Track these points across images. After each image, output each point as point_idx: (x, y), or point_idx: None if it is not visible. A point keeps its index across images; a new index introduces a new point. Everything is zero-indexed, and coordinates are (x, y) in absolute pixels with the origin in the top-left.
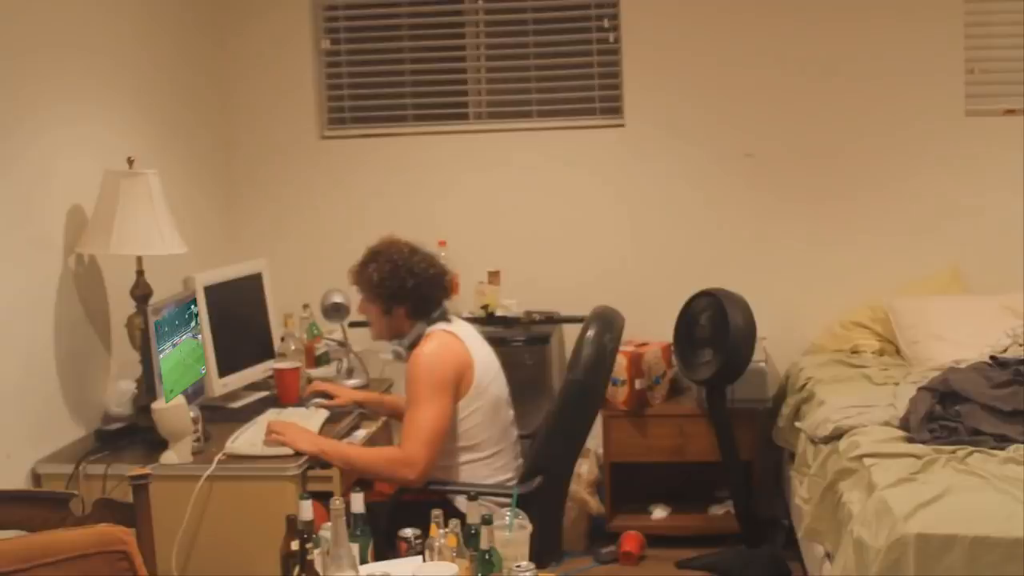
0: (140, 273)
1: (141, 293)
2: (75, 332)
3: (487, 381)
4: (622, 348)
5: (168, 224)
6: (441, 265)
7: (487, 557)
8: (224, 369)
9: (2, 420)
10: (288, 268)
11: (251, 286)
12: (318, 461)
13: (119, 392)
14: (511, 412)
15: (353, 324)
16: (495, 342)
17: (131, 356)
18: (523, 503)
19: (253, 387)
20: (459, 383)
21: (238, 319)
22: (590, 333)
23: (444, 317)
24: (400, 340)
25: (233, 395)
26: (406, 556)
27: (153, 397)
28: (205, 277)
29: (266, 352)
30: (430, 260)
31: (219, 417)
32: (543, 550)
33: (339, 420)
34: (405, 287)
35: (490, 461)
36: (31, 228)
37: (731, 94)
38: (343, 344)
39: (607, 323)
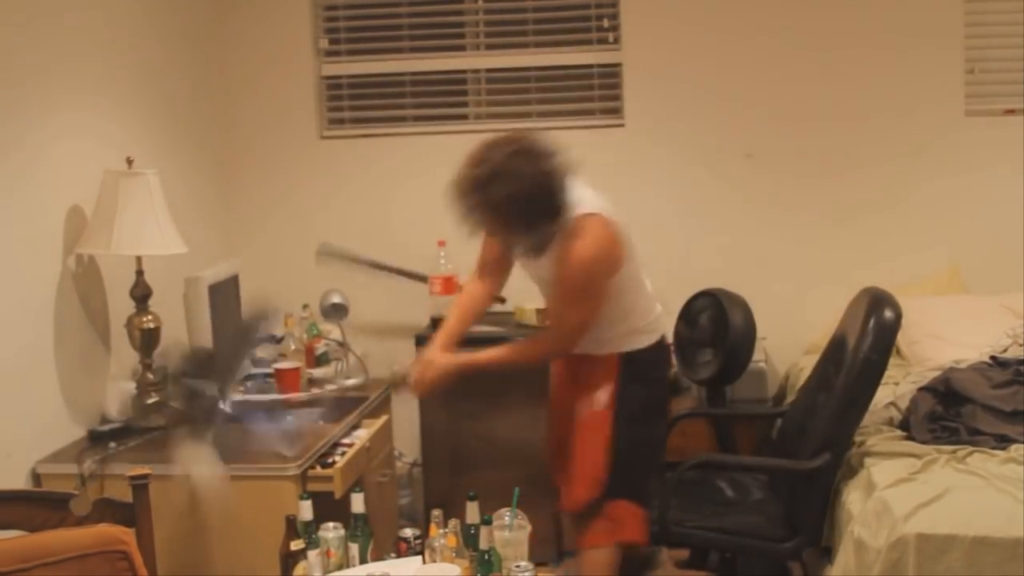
0: (140, 273)
1: (141, 293)
2: (75, 332)
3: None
4: None
5: (168, 224)
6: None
7: (487, 557)
8: None
9: (2, 420)
10: (288, 268)
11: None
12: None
13: (119, 392)
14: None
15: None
16: (497, 341)
17: (131, 356)
18: (811, 478)
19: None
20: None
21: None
22: (872, 312)
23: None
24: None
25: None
26: (406, 556)
27: (152, 397)
28: (209, 276)
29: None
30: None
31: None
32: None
33: (339, 419)
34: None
35: (645, 326)
36: (31, 228)
37: (731, 94)
38: (342, 344)
39: (880, 300)
